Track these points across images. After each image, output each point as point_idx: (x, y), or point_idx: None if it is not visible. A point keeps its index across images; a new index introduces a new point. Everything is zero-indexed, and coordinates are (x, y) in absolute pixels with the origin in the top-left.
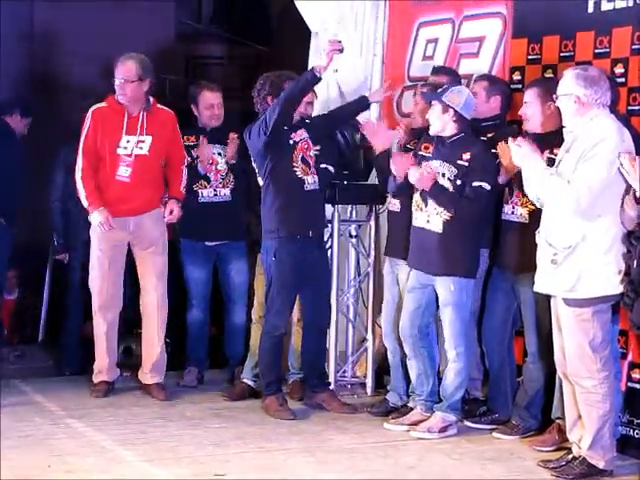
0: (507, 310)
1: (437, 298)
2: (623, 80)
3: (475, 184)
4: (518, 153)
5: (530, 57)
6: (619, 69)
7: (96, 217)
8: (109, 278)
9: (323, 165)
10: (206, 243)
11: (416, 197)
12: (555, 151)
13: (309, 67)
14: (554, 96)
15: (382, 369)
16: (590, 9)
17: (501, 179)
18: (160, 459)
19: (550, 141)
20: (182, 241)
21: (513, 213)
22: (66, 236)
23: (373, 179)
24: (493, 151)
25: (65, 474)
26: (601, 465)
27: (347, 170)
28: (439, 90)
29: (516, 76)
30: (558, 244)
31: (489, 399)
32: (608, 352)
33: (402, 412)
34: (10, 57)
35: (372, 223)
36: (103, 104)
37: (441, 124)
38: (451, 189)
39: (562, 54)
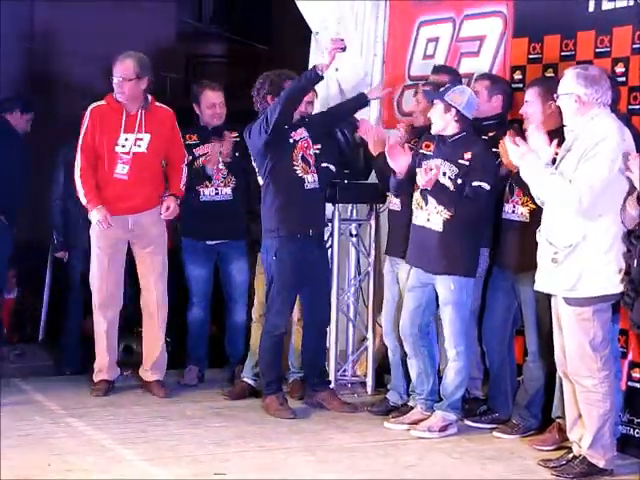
0: (507, 309)
1: (437, 297)
2: (624, 79)
3: (475, 184)
4: (516, 152)
5: (531, 56)
6: (620, 68)
7: (95, 215)
8: (109, 276)
9: (324, 164)
10: (207, 242)
11: (416, 195)
12: (556, 150)
13: (310, 66)
14: (555, 95)
15: (382, 368)
16: (591, 8)
17: (502, 171)
18: (160, 458)
19: (550, 140)
20: (183, 240)
21: (514, 212)
22: (66, 234)
23: (373, 178)
24: (494, 150)
25: (65, 473)
26: (601, 464)
27: (347, 169)
28: (441, 89)
29: (517, 75)
30: (559, 243)
31: (489, 398)
32: (608, 351)
33: (402, 411)
34: (10, 57)
35: (372, 222)
36: (102, 102)
37: (443, 123)
38: (452, 188)
39: (563, 53)
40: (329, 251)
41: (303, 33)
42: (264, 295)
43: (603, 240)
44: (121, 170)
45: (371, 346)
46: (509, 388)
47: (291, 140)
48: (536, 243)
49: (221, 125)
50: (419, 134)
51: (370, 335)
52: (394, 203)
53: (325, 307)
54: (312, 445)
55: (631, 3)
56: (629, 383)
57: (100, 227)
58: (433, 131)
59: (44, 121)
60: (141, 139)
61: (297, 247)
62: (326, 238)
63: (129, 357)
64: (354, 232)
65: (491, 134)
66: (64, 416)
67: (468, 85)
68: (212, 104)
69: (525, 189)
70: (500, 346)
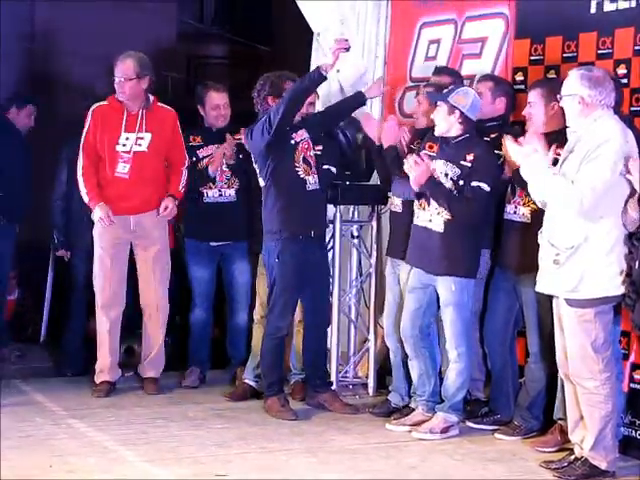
0: (509, 310)
1: (438, 298)
2: (626, 81)
3: (474, 184)
4: (519, 153)
5: (533, 58)
6: (621, 70)
7: (97, 212)
8: (112, 276)
9: (325, 166)
10: (210, 243)
11: (421, 199)
12: (558, 151)
13: (311, 67)
14: (558, 96)
15: (384, 369)
16: (593, 10)
17: (505, 176)
18: (162, 459)
19: (553, 141)
20: (186, 241)
21: (515, 213)
22: (68, 235)
23: (375, 179)
24: (497, 152)
25: (66, 474)
26: (603, 466)
27: (349, 170)
28: (445, 91)
29: (519, 77)
30: (560, 244)
31: (491, 400)
32: (610, 353)
33: (404, 412)
34: (10, 57)
35: (374, 223)
36: (104, 102)
37: (447, 125)
38: (453, 189)
39: (565, 55)
40: (330, 252)
41: (304, 34)
42: (266, 296)
43: (605, 242)
44: (122, 169)
45: (372, 347)
46: (511, 390)
47: (292, 141)
48: (537, 244)
49: (226, 127)
50: (421, 136)
51: (371, 336)
52: (395, 204)
53: (326, 308)
54: (314, 446)
55: (633, 5)
56: (631, 385)
57: (102, 224)
58: (437, 133)
59: (45, 121)
60: (142, 138)
61: (299, 249)
62: (328, 239)
63: (130, 358)
64: (355, 233)
65: (493, 135)
66: (65, 417)
67: (470, 86)
68: (216, 105)
69: (527, 190)
70: (502, 347)
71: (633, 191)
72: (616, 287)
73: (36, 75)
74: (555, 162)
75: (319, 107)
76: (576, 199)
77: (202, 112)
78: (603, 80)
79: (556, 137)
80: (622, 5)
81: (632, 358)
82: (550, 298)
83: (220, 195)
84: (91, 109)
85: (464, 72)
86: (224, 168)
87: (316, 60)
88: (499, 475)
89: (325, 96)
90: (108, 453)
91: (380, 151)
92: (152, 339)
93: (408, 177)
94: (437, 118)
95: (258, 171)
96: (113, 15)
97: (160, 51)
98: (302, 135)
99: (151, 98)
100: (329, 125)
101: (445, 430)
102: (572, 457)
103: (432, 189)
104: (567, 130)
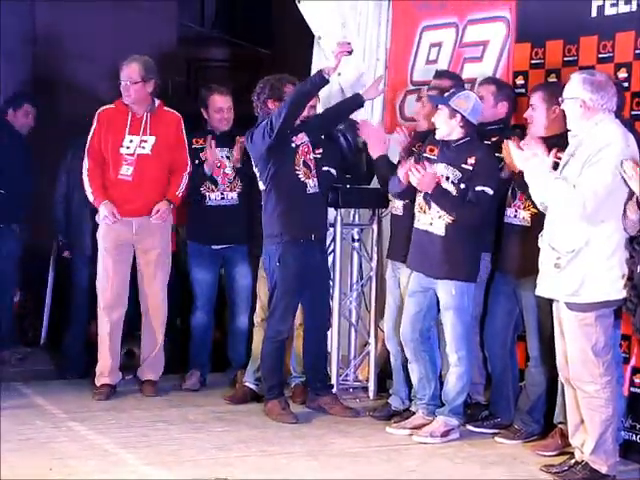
0: (509, 314)
1: (438, 302)
2: (626, 85)
3: (478, 189)
4: (520, 157)
5: (533, 61)
6: (622, 74)
7: (102, 210)
8: (114, 277)
9: (325, 168)
10: (212, 247)
11: (419, 199)
12: (559, 154)
13: (312, 70)
14: (560, 99)
15: (384, 373)
16: (593, 14)
17: (504, 174)
18: (162, 462)
19: (554, 145)
20: (189, 244)
21: (516, 216)
22: (69, 237)
23: (376, 183)
24: (497, 155)
25: (67, 477)
26: (604, 470)
27: (350, 174)
28: (446, 94)
29: (519, 80)
30: (561, 248)
31: (491, 403)
32: (610, 357)
33: (404, 416)
34: (11, 58)
35: (375, 227)
36: (110, 106)
37: (448, 129)
38: (455, 192)
39: (565, 59)
40: (331, 256)
41: (305, 37)
42: (266, 300)
43: (606, 246)
44: (125, 171)
45: (373, 351)
46: (511, 393)
47: (293, 145)
48: (538, 248)
49: (229, 130)
50: (421, 139)
51: (372, 340)
52: (396, 207)
53: (326, 311)
54: (314, 450)
55: (634, 8)
56: (631, 389)
57: (107, 222)
58: (438, 136)
59: (46, 122)
60: (145, 141)
61: (300, 252)
62: (328, 243)
63: (131, 361)
64: (356, 237)
65: (494, 139)
66: (65, 420)
67: (471, 90)
68: (220, 108)
69: (528, 193)
70: (502, 351)
71: (631, 193)
72: (617, 291)
73: (36, 76)
74: (555, 166)
75: (319, 110)
76: (578, 203)
77: (205, 115)
78: (605, 84)
79: (557, 141)
80: (623, 9)
81: (633, 362)
82: (550, 302)
83: (222, 198)
84: (97, 112)
85: (465, 76)
86: (227, 171)
87: (317, 63)
88: (499, 478)
89: (325, 98)
90: (108, 456)
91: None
92: (151, 342)
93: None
94: (438, 121)
95: (258, 175)
96: (114, 17)
97: (160, 54)
98: (302, 138)
99: (157, 102)
100: (328, 128)
101: (445, 434)
102: (572, 461)
103: (438, 198)
104: (568, 134)
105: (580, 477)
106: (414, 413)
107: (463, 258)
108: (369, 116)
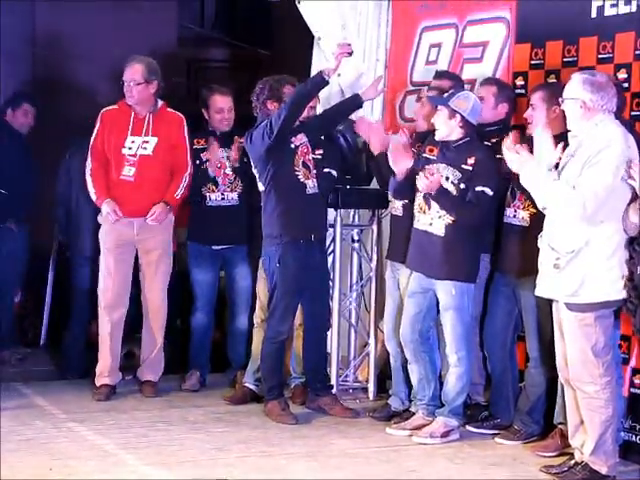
0: (508, 314)
1: (438, 302)
2: (626, 85)
3: (478, 189)
4: (516, 160)
5: (533, 62)
6: (622, 74)
7: (104, 208)
8: (115, 277)
9: (326, 169)
10: (213, 247)
11: (419, 199)
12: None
13: (312, 71)
14: (560, 99)
15: (384, 374)
16: (593, 14)
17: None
18: (162, 463)
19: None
20: (189, 244)
21: (515, 216)
22: (70, 237)
23: (376, 184)
24: (498, 156)
25: (67, 477)
26: (604, 471)
27: (350, 174)
28: (445, 95)
29: (519, 81)
30: (561, 248)
31: (491, 404)
32: (610, 357)
33: (404, 417)
34: (11, 58)
35: (374, 227)
36: (114, 106)
37: (447, 130)
38: (455, 193)
39: (565, 59)
40: (331, 256)
41: (305, 38)
42: (266, 300)
43: (606, 246)
44: (127, 172)
45: (373, 351)
46: (511, 394)
47: (292, 145)
48: (537, 248)
49: (230, 130)
50: (421, 139)
51: (372, 340)
52: (396, 208)
53: (326, 312)
54: (314, 450)
55: (634, 9)
56: (631, 390)
57: (110, 219)
58: (437, 137)
59: (46, 123)
60: (147, 142)
61: (300, 253)
62: (328, 243)
63: (131, 362)
64: (356, 237)
65: (494, 140)
66: (65, 421)
67: (472, 90)
68: (220, 109)
69: (527, 193)
70: (502, 352)
71: (634, 196)
72: (617, 292)
73: (36, 76)
74: (556, 167)
75: (318, 111)
76: (578, 203)
77: (206, 115)
78: (606, 85)
79: (557, 141)
80: (623, 10)
81: (633, 362)
82: (550, 302)
83: (223, 199)
84: (100, 113)
85: (465, 76)
86: (227, 171)
87: (317, 64)
88: (499, 479)
89: (325, 99)
90: (108, 456)
91: (375, 158)
92: (151, 342)
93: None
94: (437, 122)
95: (257, 176)
96: (114, 18)
97: (160, 55)
98: (301, 139)
99: (160, 102)
100: (327, 128)
101: (445, 434)
102: (572, 462)
103: (439, 198)
104: (568, 134)
105: (580, 478)
106: (414, 414)
107: (463, 258)
108: (369, 116)
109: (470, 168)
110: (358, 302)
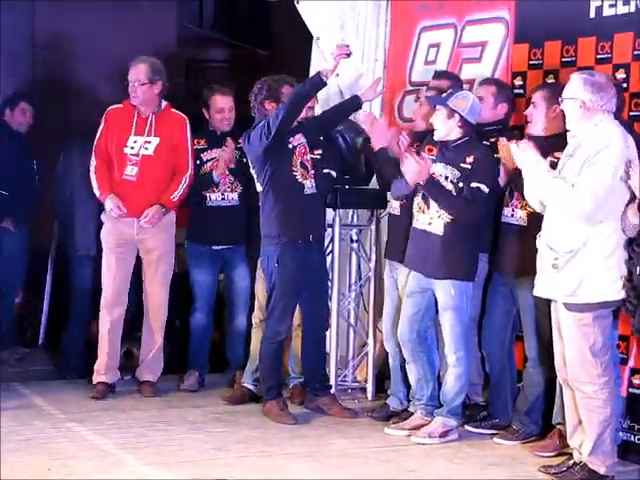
0: (507, 314)
1: (436, 302)
2: (625, 86)
3: (473, 185)
4: (520, 156)
5: (532, 62)
6: (620, 75)
7: (108, 204)
8: (116, 276)
9: (325, 170)
10: (213, 247)
11: (418, 199)
12: (557, 154)
13: (311, 71)
14: (559, 99)
15: (383, 374)
16: (592, 14)
17: (502, 180)
18: (161, 463)
19: (553, 145)
20: (189, 245)
21: (513, 216)
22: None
23: (374, 184)
24: (496, 156)
25: (65, 477)
26: (602, 471)
27: (348, 175)
28: (444, 95)
29: (518, 81)
30: (560, 248)
31: (489, 404)
32: (608, 357)
33: (403, 417)
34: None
35: (373, 227)
36: (119, 105)
37: (446, 129)
38: (454, 192)
39: (564, 59)
40: (330, 256)
41: (304, 38)
42: (264, 300)
43: (604, 246)
44: (129, 172)
45: (371, 351)
46: (509, 394)
47: (290, 146)
48: (535, 247)
49: (230, 131)
50: (420, 139)
51: (370, 340)
52: (394, 207)
53: (324, 312)
54: (313, 450)
55: (632, 9)
56: (630, 390)
57: (114, 214)
58: (436, 137)
59: (46, 123)
60: (149, 142)
61: (298, 253)
62: (327, 243)
63: (130, 361)
64: (355, 237)
65: (493, 140)
66: (64, 420)
67: (470, 90)
68: (221, 109)
69: (524, 194)
70: (500, 352)
71: (633, 197)
72: (616, 292)
73: (36, 76)
74: (554, 166)
75: (318, 111)
76: (577, 203)
77: (207, 115)
78: (605, 86)
79: (556, 140)
80: (621, 10)
81: (631, 363)
82: (548, 302)
83: (223, 199)
84: (105, 112)
85: (464, 76)
86: (227, 172)
87: (316, 64)
88: (498, 479)
89: (324, 100)
90: (107, 456)
91: (375, 154)
92: (150, 342)
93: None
94: (436, 122)
95: (255, 176)
96: (113, 18)
97: (159, 55)
98: (299, 139)
99: (164, 103)
100: (326, 130)
101: (444, 434)
102: (571, 462)
103: (431, 189)
104: (567, 134)
105: (578, 478)
106: (412, 414)
107: (462, 257)
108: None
109: (469, 167)
110: (357, 302)
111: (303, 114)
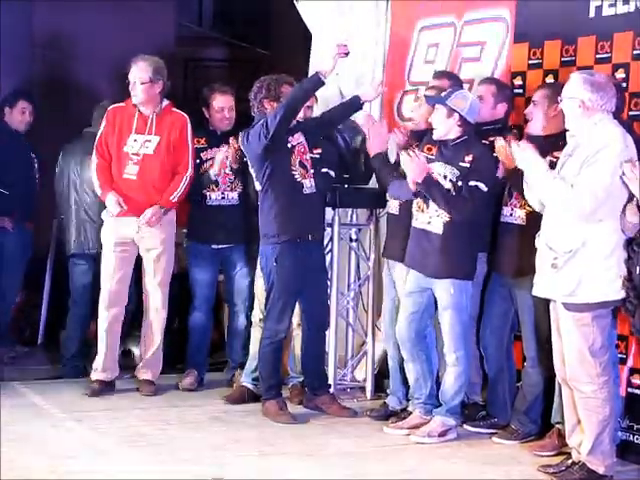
0: (505, 314)
1: (435, 301)
2: (624, 85)
3: (471, 183)
4: (520, 156)
5: (531, 62)
6: (620, 74)
7: (108, 200)
8: (116, 274)
9: (324, 169)
10: (212, 246)
11: (417, 198)
12: (556, 154)
13: (310, 70)
14: (559, 98)
15: (382, 373)
16: (591, 14)
17: (500, 173)
18: (160, 462)
19: (552, 144)
20: (189, 244)
21: (512, 215)
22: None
23: (374, 183)
24: (495, 155)
25: (64, 475)
26: (601, 470)
27: (348, 174)
28: (443, 94)
29: (517, 81)
30: (559, 248)
31: (488, 403)
32: (607, 357)
33: (402, 416)
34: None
35: (372, 227)
36: (121, 104)
37: (445, 129)
38: (453, 191)
39: (563, 59)
40: (329, 255)
41: (303, 37)
42: (264, 299)
43: (603, 246)
44: (130, 171)
45: (370, 351)
46: (507, 393)
47: (289, 145)
48: (534, 247)
49: (231, 130)
50: (419, 138)
51: (369, 340)
52: (393, 207)
53: (324, 311)
54: (312, 450)
55: (632, 9)
56: (629, 389)
57: (115, 211)
58: (435, 136)
59: (46, 123)
60: (149, 141)
61: (297, 252)
62: (326, 243)
63: (129, 360)
64: (354, 237)
65: (491, 139)
66: (63, 419)
67: (470, 90)
68: (221, 108)
69: (522, 193)
70: (498, 351)
71: (631, 195)
72: (615, 291)
73: (36, 76)
74: (553, 166)
75: (317, 110)
76: (576, 203)
77: (207, 114)
78: (605, 85)
79: (555, 140)
80: (621, 9)
81: (630, 362)
82: (546, 302)
83: (223, 198)
84: (107, 110)
85: (463, 76)
86: (227, 171)
87: (315, 63)
88: (497, 479)
89: (323, 99)
90: (106, 455)
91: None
92: (150, 341)
93: (405, 178)
94: (435, 121)
95: (254, 175)
96: (113, 17)
97: (159, 54)
98: (298, 139)
99: (165, 102)
100: (325, 130)
101: (443, 434)
102: (570, 461)
103: (429, 187)
104: (567, 134)
105: (577, 477)
106: (411, 413)
107: (461, 256)
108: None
109: (467, 165)
110: (356, 301)
111: (302, 113)
